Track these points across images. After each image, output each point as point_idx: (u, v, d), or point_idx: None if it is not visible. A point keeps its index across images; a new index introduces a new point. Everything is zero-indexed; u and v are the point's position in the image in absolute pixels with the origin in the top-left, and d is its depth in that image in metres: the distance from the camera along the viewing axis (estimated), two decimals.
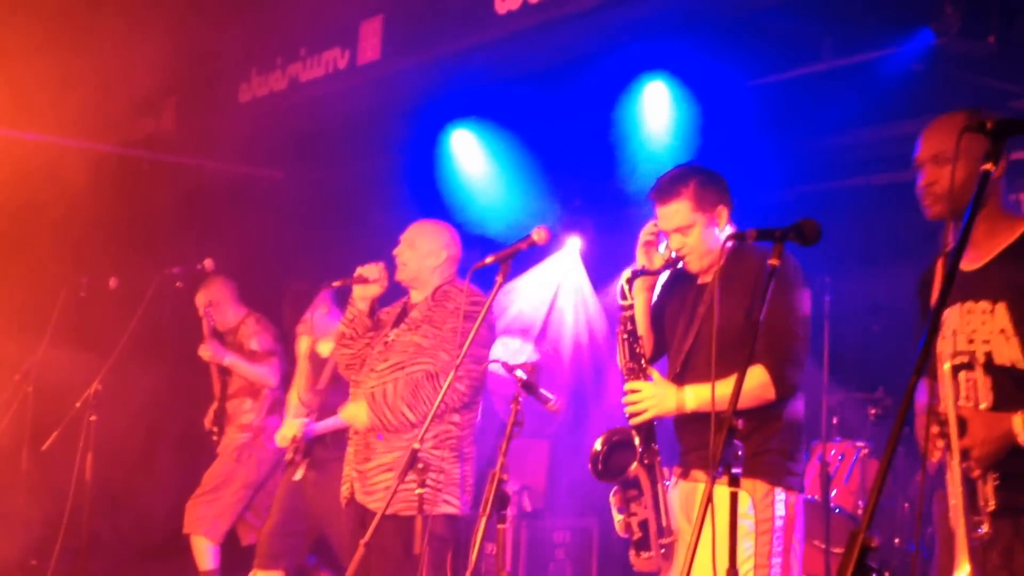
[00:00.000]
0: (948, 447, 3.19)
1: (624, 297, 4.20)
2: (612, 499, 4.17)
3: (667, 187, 4.17)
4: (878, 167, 7.14)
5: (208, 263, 7.21)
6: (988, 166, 2.60)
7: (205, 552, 7.37)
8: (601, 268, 8.84)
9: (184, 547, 7.41)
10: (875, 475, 2.23)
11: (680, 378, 4.13)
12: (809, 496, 6.77)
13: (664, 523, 4.06)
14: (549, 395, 4.52)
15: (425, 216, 5.67)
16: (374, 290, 5.42)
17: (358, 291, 5.44)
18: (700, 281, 4.25)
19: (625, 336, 4.18)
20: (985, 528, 3.16)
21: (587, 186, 8.69)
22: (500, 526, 4.14)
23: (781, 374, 3.89)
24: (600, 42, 6.88)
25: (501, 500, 4.07)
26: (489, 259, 4.38)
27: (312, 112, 8.35)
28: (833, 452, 6.93)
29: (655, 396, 4.05)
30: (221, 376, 7.51)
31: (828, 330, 6.82)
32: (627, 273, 4.19)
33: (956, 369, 3.32)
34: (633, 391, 4.09)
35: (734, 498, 3.16)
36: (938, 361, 3.35)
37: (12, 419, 6.98)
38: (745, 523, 3.72)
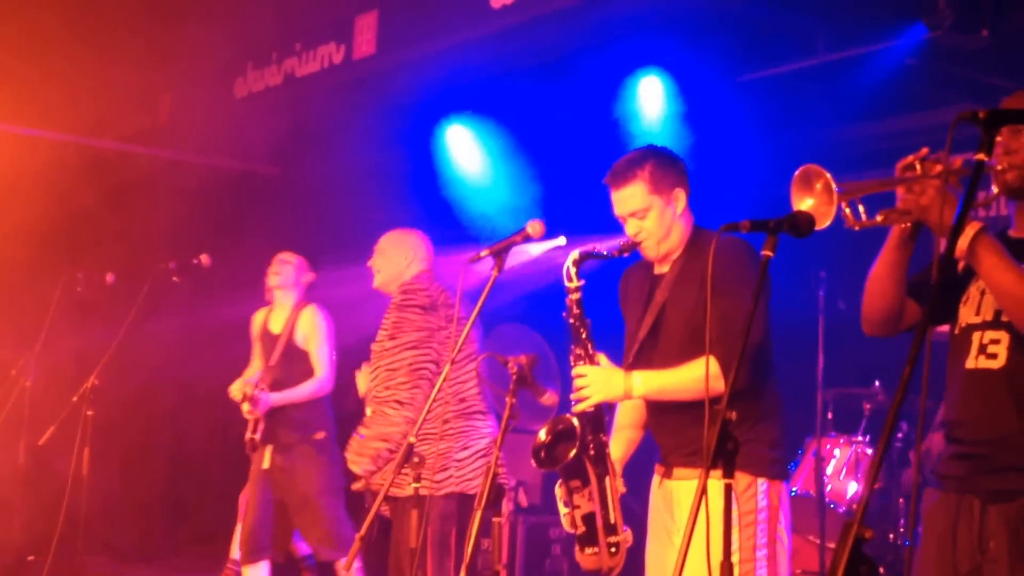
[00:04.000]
0: None
1: (570, 279, 4.01)
2: (557, 492, 4.02)
3: (622, 171, 4.02)
4: (872, 162, 7.15)
5: (204, 258, 7.20)
6: (981, 156, 2.57)
7: None
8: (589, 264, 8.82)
9: (181, 545, 7.44)
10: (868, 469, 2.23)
11: (632, 368, 3.97)
12: (804, 491, 6.78)
13: (612, 519, 3.91)
14: (544, 388, 4.50)
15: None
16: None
17: None
18: (657, 271, 4.12)
19: (571, 320, 4.01)
20: None
21: (580, 181, 8.67)
22: (496, 519, 4.13)
23: (730, 367, 3.66)
24: (594, 37, 6.89)
25: (497, 493, 4.06)
26: (483, 252, 4.32)
27: (308, 107, 8.37)
28: (828, 447, 6.94)
29: (601, 380, 3.89)
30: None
31: (823, 324, 6.83)
32: (574, 254, 3.99)
33: (973, 328, 3.30)
34: (579, 376, 3.92)
35: (728, 489, 3.11)
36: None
37: (9, 414, 6.99)
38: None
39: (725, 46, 6.77)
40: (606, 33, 6.82)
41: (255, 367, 6.88)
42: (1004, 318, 3.21)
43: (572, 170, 8.54)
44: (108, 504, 7.71)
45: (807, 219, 3.08)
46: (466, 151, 8.73)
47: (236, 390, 6.57)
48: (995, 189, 3.29)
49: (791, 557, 3.94)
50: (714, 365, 3.71)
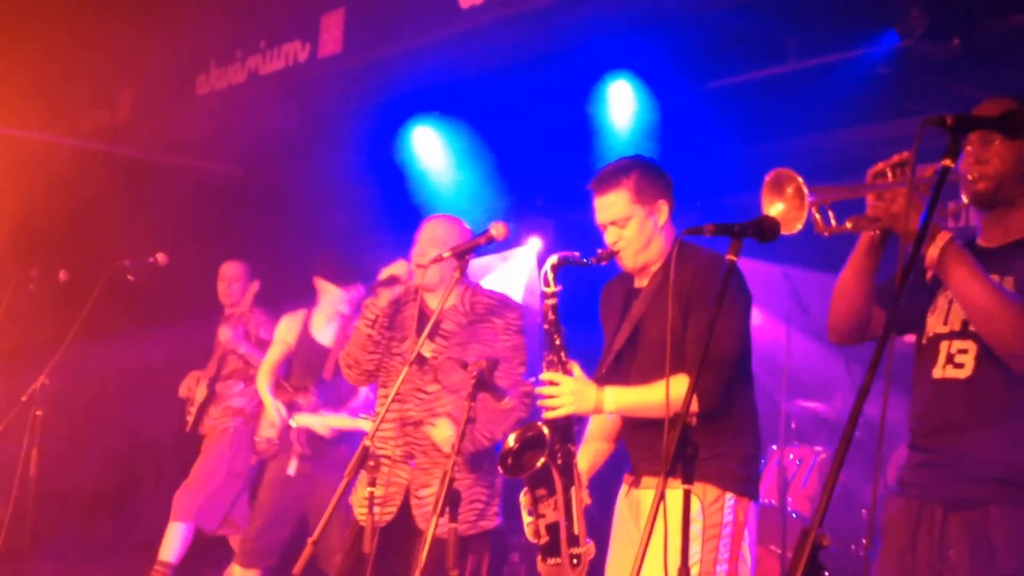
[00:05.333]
0: None
1: (547, 285, 3.97)
2: (522, 500, 3.98)
3: (607, 177, 4.02)
4: (842, 170, 7.10)
5: (161, 257, 7.05)
6: (947, 162, 2.57)
7: (177, 542, 7.02)
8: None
9: (131, 547, 7.30)
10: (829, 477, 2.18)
11: (604, 380, 3.96)
12: (767, 500, 6.74)
13: (576, 531, 3.88)
14: (504, 391, 4.46)
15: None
16: (400, 289, 5.02)
17: (386, 293, 5.02)
18: (636, 284, 4.10)
19: (546, 326, 3.96)
20: None
21: (549, 185, 8.63)
22: (451, 525, 4.07)
23: (705, 387, 3.71)
24: (564, 40, 6.84)
25: (453, 499, 4.00)
26: (446, 253, 4.35)
27: (271, 106, 8.25)
28: (791, 457, 6.92)
29: (574, 393, 3.84)
30: (221, 355, 7.32)
31: (788, 333, 6.79)
32: (553, 259, 3.96)
33: (941, 338, 3.29)
34: (551, 383, 3.87)
35: (687, 496, 3.10)
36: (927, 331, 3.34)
37: None
38: (693, 527, 3.51)
39: (696, 52, 6.73)
40: (576, 36, 6.77)
41: (269, 371, 6.56)
42: (972, 328, 3.21)
43: (540, 173, 8.51)
44: (56, 505, 7.58)
45: (772, 224, 3.05)
46: (433, 152, 8.65)
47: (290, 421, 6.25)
48: (965, 198, 3.27)
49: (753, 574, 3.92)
50: (686, 384, 3.63)
